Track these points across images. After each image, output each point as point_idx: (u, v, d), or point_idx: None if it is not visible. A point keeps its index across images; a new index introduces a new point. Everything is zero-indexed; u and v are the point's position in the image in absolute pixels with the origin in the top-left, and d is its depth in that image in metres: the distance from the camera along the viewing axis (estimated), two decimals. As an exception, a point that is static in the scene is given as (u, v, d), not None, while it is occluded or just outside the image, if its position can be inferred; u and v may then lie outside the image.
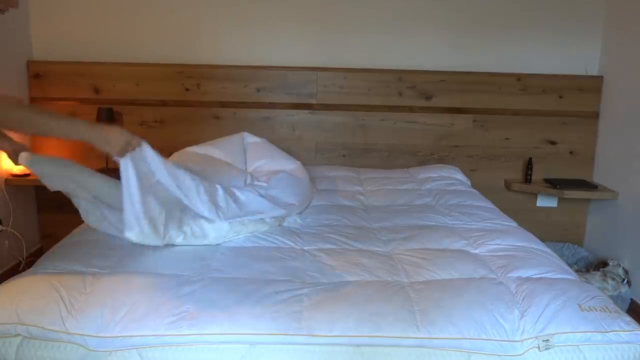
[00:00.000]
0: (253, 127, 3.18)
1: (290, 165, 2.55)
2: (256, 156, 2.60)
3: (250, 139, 2.73)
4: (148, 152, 1.72)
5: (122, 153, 1.64)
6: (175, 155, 2.60)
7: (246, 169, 2.53)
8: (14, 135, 1.68)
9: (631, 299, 2.78)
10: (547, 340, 1.40)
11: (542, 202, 3.31)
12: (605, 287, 2.71)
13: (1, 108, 1.45)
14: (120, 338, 1.37)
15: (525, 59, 3.21)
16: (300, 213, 2.23)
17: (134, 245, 1.79)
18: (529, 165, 3.19)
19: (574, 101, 3.20)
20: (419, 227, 2.11)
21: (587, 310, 1.46)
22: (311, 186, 2.50)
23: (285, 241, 1.92)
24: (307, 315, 1.42)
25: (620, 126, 3.03)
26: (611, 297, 2.60)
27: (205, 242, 1.87)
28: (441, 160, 3.24)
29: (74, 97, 3.11)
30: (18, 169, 2.91)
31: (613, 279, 2.75)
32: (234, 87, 3.16)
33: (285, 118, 3.20)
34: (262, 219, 1.98)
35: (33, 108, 1.55)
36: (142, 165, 1.70)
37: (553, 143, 3.26)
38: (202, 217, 1.84)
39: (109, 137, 1.61)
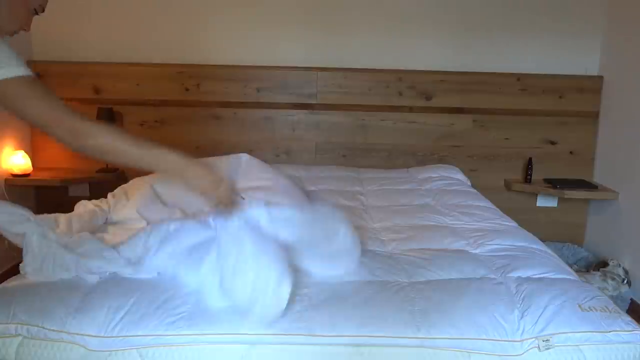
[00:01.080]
0: (253, 127, 3.18)
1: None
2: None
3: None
4: (257, 213, 1.42)
5: (219, 207, 1.42)
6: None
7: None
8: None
9: (631, 299, 2.78)
10: (547, 340, 1.40)
11: (542, 202, 3.31)
12: (605, 287, 2.71)
13: (85, 136, 1.27)
14: (120, 338, 1.37)
15: (525, 59, 3.21)
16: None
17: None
18: (529, 165, 3.19)
19: (574, 101, 3.20)
20: (419, 227, 2.11)
21: (587, 310, 1.46)
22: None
23: (285, 241, 1.91)
24: (307, 315, 1.42)
25: (620, 126, 3.03)
26: (611, 297, 2.60)
27: None
28: (441, 160, 3.24)
29: (74, 97, 3.11)
30: (18, 169, 2.91)
31: (613, 279, 2.75)
32: (234, 87, 3.16)
33: (285, 118, 3.20)
34: None
35: (119, 137, 1.33)
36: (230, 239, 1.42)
37: (553, 143, 3.26)
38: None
39: (200, 182, 1.40)
